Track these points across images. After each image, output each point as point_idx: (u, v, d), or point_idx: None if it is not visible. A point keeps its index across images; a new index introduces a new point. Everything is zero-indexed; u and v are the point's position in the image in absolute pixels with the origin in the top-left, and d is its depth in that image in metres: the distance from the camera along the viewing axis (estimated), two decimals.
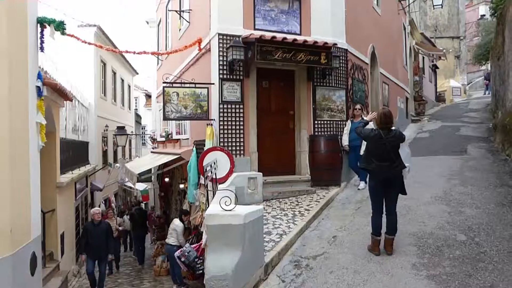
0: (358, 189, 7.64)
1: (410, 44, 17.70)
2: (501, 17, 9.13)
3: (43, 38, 6.23)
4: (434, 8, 16.38)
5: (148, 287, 9.00)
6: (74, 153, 11.25)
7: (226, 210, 3.96)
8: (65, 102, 9.09)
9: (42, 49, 6.25)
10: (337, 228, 5.78)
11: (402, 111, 14.68)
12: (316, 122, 8.15)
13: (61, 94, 7.91)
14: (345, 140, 7.92)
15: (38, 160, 6.15)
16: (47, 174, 7.81)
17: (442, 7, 16.08)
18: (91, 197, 14.10)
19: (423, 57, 21.37)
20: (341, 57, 8.34)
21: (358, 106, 8.03)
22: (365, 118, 5.41)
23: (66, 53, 13.26)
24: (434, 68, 25.48)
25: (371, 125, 5.49)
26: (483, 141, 10.13)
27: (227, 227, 3.91)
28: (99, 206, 14.51)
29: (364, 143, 7.66)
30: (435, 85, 26.20)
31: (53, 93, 7.38)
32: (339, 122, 8.44)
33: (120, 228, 11.44)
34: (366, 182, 7.67)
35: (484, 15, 28.95)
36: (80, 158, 12.33)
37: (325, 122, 8.28)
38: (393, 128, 4.70)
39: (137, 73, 24.28)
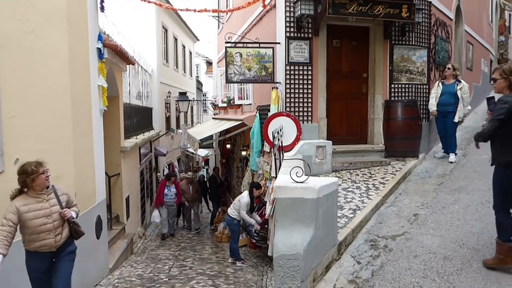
0: (450, 162, 6.82)
1: None
2: None
3: None
4: None
5: (210, 252, 8.96)
6: (138, 118, 11.34)
7: (297, 182, 3.50)
8: (127, 66, 9.00)
9: (102, 8, 6.04)
10: (418, 205, 5.18)
11: (486, 75, 13.09)
12: (392, 86, 7.31)
13: (123, 57, 7.75)
14: (432, 105, 7.04)
15: (101, 124, 6.07)
16: (112, 139, 7.84)
17: None
18: (155, 161, 14.37)
19: (510, 15, 18.99)
20: (424, 11, 7.32)
21: (449, 66, 7.03)
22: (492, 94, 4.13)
23: (128, 19, 13.25)
24: None
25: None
26: None
27: (298, 201, 3.46)
28: (163, 171, 14.89)
29: (459, 109, 6.75)
30: None
31: (115, 56, 7.22)
32: (419, 86, 7.52)
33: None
34: (456, 154, 6.90)
35: None
36: (144, 124, 12.47)
37: (403, 86, 7.40)
38: None
39: (198, 40, 24.12)
